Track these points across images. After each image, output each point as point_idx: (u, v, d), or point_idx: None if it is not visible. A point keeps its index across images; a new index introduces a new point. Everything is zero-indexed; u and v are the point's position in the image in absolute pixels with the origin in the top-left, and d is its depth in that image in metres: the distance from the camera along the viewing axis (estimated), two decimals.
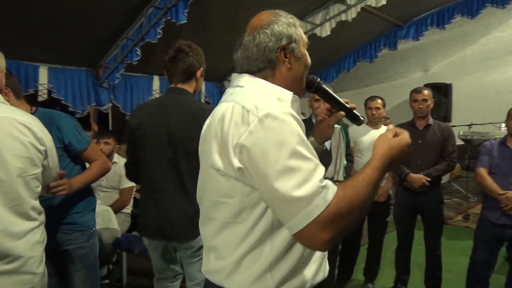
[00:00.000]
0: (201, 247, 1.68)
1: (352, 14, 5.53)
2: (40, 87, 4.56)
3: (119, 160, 3.43)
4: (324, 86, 1.27)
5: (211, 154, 1.00)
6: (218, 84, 6.82)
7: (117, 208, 3.29)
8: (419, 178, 3.01)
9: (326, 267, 1.14)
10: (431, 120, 3.14)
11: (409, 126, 3.21)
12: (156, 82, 5.78)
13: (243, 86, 1.09)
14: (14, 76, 3.50)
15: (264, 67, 1.10)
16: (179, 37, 4.92)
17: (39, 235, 1.50)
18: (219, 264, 1.04)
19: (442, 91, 6.62)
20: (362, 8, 5.49)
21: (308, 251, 1.03)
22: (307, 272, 1.04)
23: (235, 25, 5.26)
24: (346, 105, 1.27)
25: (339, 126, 1.32)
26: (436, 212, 3.08)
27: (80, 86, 4.97)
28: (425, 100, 3.09)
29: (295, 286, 1.02)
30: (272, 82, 1.10)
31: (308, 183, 0.87)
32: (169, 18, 4.41)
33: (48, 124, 1.78)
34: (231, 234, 1.01)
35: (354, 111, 1.28)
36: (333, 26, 5.70)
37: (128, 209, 3.46)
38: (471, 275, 2.85)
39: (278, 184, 0.87)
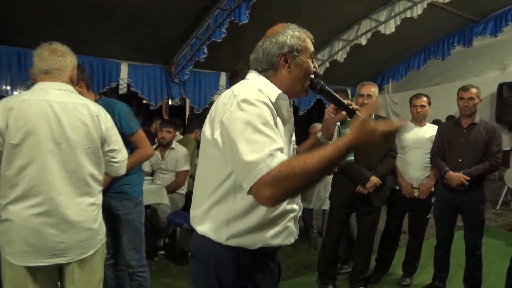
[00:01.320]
0: None
1: (418, 10, 5.42)
2: (121, 81, 5.23)
3: (177, 147, 3.87)
4: (327, 88, 1.40)
5: (205, 124, 1.28)
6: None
7: (172, 188, 3.73)
8: (457, 176, 2.98)
9: (288, 237, 1.35)
10: (477, 119, 3.07)
11: (454, 123, 3.19)
12: (223, 78, 6.21)
13: (248, 79, 1.35)
14: (96, 71, 4.14)
15: (267, 68, 1.34)
16: (243, 36, 5.36)
17: (95, 199, 1.85)
18: (195, 212, 1.33)
19: None
20: (431, 4, 5.35)
21: (268, 218, 1.26)
22: (262, 236, 1.27)
23: (296, 23, 5.48)
24: (349, 106, 1.39)
25: (338, 123, 1.47)
26: (477, 212, 3.02)
27: (155, 81, 5.57)
28: (471, 98, 3.04)
29: (244, 243, 1.26)
30: (274, 81, 1.33)
31: (259, 153, 1.09)
32: (232, 18, 4.77)
33: (107, 108, 2.21)
34: (205, 189, 1.29)
35: (356, 111, 1.39)
36: (398, 23, 5.62)
37: (183, 190, 3.89)
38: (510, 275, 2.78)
39: (239, 151, 1.11)
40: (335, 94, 1.40)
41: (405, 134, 3.37)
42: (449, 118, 5.95)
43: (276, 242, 1.31)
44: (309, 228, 4.29)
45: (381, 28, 5.77)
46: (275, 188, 1.07)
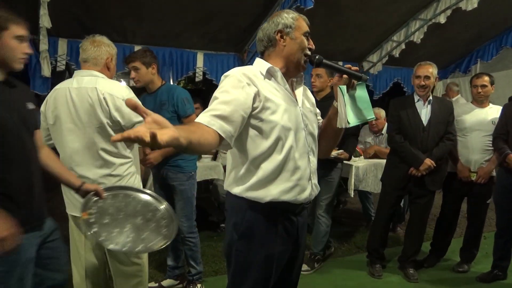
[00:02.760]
0: None
1: None
2: (197, 70, 5.67)
3: None
4: (325, 60, 1.58)
5: None
6: (358, 64, 6.95)
7: None
8: None
9: (300, 194, 1.55)
10: None
11: None
12: None
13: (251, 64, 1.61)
14: (175, 61, 4.65)
15: (267, 46, 1.60)
16: (312, 21, 5.42)
17: (111, 170, 2.17)
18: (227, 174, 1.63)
19: None
20: None
21: (272, 177, 1.47)
22: (272, 190, 1.48)
23: (366, 5, 5.37)
24: (348, 70, 1.56)
25: (340, 86, 1.61)
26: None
27: (229, 68, 5.77)
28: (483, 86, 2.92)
29: (255, 196, 1.49)
30: (274, 56, 1.58)
31: (210, 112, 1.35)
32: (298, 4, 4.87)
33: (169, 92, 2.63)
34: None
35: (355, 72, 1.55)
36: None
37: None
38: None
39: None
40: (334, 64, 1.59)
41: (465, 116, 3.22)
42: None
43: (286, 197, 1.50)
44: (366, 211, 4.31)
45: (462, 4, 5.36)
46: None
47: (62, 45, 4.87)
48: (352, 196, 3.82)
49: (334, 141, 1.74)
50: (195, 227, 2.87)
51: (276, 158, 1.47)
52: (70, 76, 2.32)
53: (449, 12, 5.56)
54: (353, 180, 3.63)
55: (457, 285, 3.12)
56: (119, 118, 2.11)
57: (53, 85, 5.47)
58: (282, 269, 1.61)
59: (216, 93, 1.41)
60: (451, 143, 3.10)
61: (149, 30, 5.13)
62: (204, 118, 1.31)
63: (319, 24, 5.56)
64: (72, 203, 2.21)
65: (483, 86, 3.15)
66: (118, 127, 2.14)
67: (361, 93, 1.60)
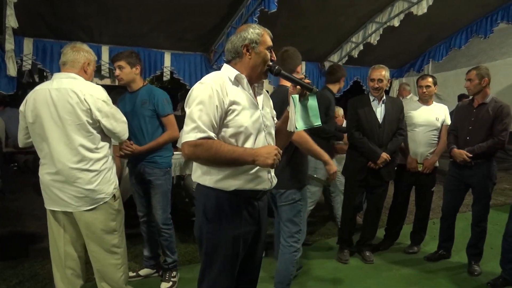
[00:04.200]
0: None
1: None
2: (164, 69, 5.79)
3: None
4: (282, 71, 1.82)
5: None
6: (319, 64, 7.27)
7: None
8: (460, 153, 3.17)
9: (261, 183, 1.80)
10: (488, 99, 3.20)
11: (467, 104, 3.34)
12: None
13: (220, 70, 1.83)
14: (143, 60, 4.81)
15: (234, 56, 1.81)
16: (276, 23, 5.66)
17: (89, 165, 2.30)
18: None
19: None
20: None
21: (237, 171, 1.73)
22: (235, 181, 1.74)
23: (326, 8, 5.68)
24: (300, 81, 1.79)
25: (293, 95, 1.86)
26: (482, 186, 3.19)
27: (196, 68, 6.08)
28: (470, 80, 3.21)
29: (222, 186, 1.74)
30: (239, 66, 1.80)
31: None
32: (263, 7, 5.10)
33: (150, 92, 2.88)
34: None
35: (307, 84, 1.79)
36: (430, 3, 5.61)
37: None
38: (504, 244, 2.97)
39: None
40: (289, 75, 1.81)
41: (413, 112, 3.57)
42: (461, 96, 5.97)
43: (248, 186, 1.76)
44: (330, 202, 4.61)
45: (414, 9, 5.78)
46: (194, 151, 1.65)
47: (28, 44, 4.87)
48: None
49: (286, 141, 2.02)
50: (170, 219, 3.05)
51: None
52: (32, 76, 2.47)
53: (402, 16, 5.97)
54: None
55: (408, 265, 3.46)
56: (99, 118, 2.28)
57: (19, 84, 5.40)
58: (247, 248, 1.86)
59: (194, 106, 1.64)
60: (402, 138, 3.43)
61: (116, 29, 5.19)
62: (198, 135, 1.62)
63: (282, 26, 5.82)
64: (52, 199, 2.33)
65: (427, 86, 3.51)
66: (97, 124, 2.30)
67: (312, 102, 1.84)
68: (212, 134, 1.63)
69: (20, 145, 2.44)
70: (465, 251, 3.42)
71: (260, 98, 1.85)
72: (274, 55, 1.82)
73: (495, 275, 3.15)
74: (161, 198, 2.96)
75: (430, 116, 3.52)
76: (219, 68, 6.34)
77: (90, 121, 2.27)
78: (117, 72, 2.87)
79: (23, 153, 6.01)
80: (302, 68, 6.96)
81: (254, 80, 1.82)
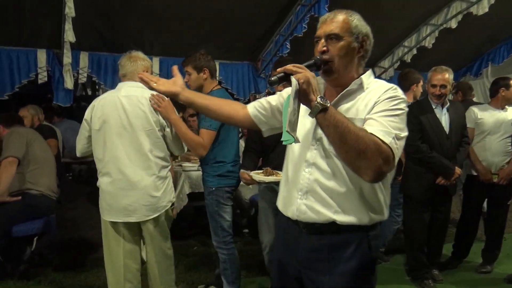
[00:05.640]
0: None
1: None
2: None
3: None
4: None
5: None
6: (371, 69, 7.03)
7: None
8: None
9: (287, 206, 1.46)
10: None
11: None
12: None
13: None
14: None
15: None
16: None
17: (157, 171, 2.34)
18: None
19: None
20: None
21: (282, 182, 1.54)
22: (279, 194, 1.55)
23: (379, 11, 5.45)
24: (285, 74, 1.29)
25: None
26: None
27: (243, 77, 6.04)
28: None
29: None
30: None
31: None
32: (313, 13, 4.98)
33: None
34: None
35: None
36: (492, 2, 5.26)
37: None
38: None
39: None
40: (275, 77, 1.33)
41: (485, 118, 3.28)
42: None
43: (279, 204, 1.55)
44: None
45: (473, 9, 5.44)
46: None
47: (84, 58, 5.02)
48: None
49: None
50: (227, 244, 2.76)
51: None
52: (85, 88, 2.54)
53: (460, 17, 5.64)
54: None
55: (483, 286, 3.16)
56: (166, 126, 2.39)
57: (75, 97, 5.58)
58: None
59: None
60: (468, 146, 3.16)
61: (166, 41, 5.26)
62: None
63: None
64: (113, 209, 2.31)
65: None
66: (163, 132, 2.40)
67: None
68: None
69: (78, 154, 2.47)
70: None
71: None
72: (321, 47, 1.39)
73: None
74: (210, 219, 2.77)
75: (504, 121, 3.22)
76: (266, 77, 6.36)
77: (158, 128, 2.35)
78: (186, 78, 2.69)
79: (77, 163, 6.19)
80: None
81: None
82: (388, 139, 1.21)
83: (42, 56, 4.74)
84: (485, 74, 7.39)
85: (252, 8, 4.96)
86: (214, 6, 4.79)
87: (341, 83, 1.39)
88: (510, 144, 3.22)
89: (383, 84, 1.38)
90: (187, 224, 4.56)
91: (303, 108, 1.27)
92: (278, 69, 1.27)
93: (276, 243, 1.60)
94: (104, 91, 5.48)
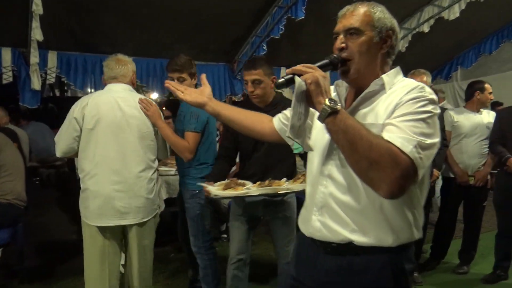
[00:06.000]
0: None
1: None
2: None
3: None
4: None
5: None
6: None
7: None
8: None
9: (304, 222, 1.34)
10: None
11: None
12: (283, 72, 6.40)
13: None
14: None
15: None
16: (301, 31, 5.51)
17: (150, 174, 2.34)
18: None
19: None
20: None
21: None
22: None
23: None
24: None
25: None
26: None
27: (219, 78, 5.94)
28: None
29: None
30: None
31: None
32: (289, 15, 4.95)
33: (186, 106, 2.61)
34: None
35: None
36: (463, 7, 5.41)
37: None
38: None
39: None
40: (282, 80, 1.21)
41: (461, 121, 3.34)
42: (494, 104, 5.46)
43: (299, 220, 1.43)
44: None
45: (445, 14, 5.59)
46: None
47: (52, 58, 4.78)
48: None
49: None
50: (206, 249, 2.73)
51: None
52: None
53: (432, 21, 5.77)
54: None
55: (462, 286, 3.21)
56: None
57: (42, 98, 5.30)
58: None
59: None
60: (446, 149, 3.22)
61: (140, 41, 5.10)
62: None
63: (308, 34, 5.66)
64: (104, 213, 2.20)
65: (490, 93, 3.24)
66: (157, 134, 2.43)
67: None
68: None
69: (60, 154, 2.32)
70: None
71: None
72: (339, 43, 1.26)
73: None
74: (190, 223, 2.71)
75: (480, 124, 3.28)
76: (242, 79, 6.33)
77: (155, 132, 2.39)
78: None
79: (45, 167, 5.91)
80: None
81: None
82: (408, 148, 1.02)
83: (7, 55, 4.48)
84: (455, 77, 7.61)
85: (228, 9, 4.88)
86: (190, 6, 4.69)
87: (363, 84, 1.22)
88: (486, 146, 3.28)
89: (408, 84, 1.19)
90: (163, 230, 4.41)
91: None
92: (287, 70, 1.15)
93: (293, 256, 1.45)
94: (74, 92, 5.27)
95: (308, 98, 1.11)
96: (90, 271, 2.29)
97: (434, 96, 1.14)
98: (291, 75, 1.14)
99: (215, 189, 2.13)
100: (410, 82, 1.20)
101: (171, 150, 2.66)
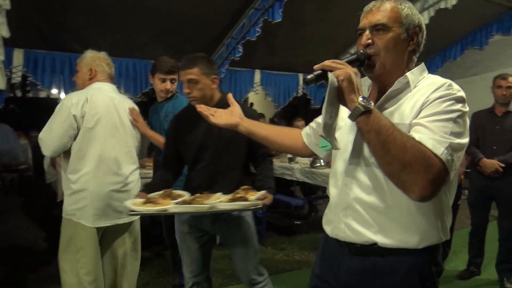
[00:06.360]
0: None
1: (452, 1, 5.39)
2: None
3: None
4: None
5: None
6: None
7: None
8: (492, 163, 3.04)
9: (328, 224, 1.34)
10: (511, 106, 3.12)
11: (488, 112, 3.24)
12: (257, 75, 6.41)
13: None
14: (139, 73, 4.53)
15: None
16: (277, 34, 5.54)
17: (138, 172, 2.42)
18: None
19: None
20: None
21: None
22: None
23: (328, 20, 5.58)
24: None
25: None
26: (510, 198, 3.07)
27: None
28: (510, 87, 3.08)
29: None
30: None
31: None
32: (266, 17, 4.96)
33: (175, 105, 2.71)
34: None
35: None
36: (432, 14, 5.61)
37: None
38: None
39: None
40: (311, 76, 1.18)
41: None
42: None
43: (323, 220, 1.42)
44: None
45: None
46: None
47: (18, 56, 4.55)
48: None
49: None
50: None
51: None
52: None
53: None
54: None
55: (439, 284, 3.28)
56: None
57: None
58: None
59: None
60: None
61: (112, 40, 4.94)
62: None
63: (283, 37, 5.70)
64: (104, 213, 2.18)
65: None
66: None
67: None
68: None
69: (49, 153, 2.22)
70: (490, 266, 3.29)
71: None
72: (365, 39, 1.21)
73: None
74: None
75: None
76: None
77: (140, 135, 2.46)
78: (168, 85, 2.82)
79: (9, 171, 5.61)
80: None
81: None
82: (439, 150, 1.00)
83: None
84: None
85: (204, 10, 4.83)
86: (165, 5, 4.60)
87: (388, 82, 1.20)
88: None
89: (435, 81, 1.16)
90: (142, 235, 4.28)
91: (343, 110, 1.12)
92: (315, 66, 1.09)
93: (318, 256, 1.41)
94: (36, 93, 5.04)
95: (339, 96, 1.07)
96: (88, 274, 2.18)
97: (462, 94, 1.11)
98: (320, 71, 1.09)
99: (132, 203, 1.82)
100: (437, 79, 1.18)
101: (148, 151, 2.78)
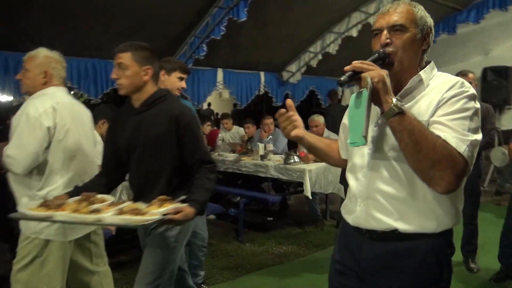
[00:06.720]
0: None
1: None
2: None
3: None
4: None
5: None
6: (277, 74, 7.26)
7: None
8: None
9: (348, 213, 1.39)
10: None
11: None
12: (219, 74, 6.39)
13: None
14: (100, 73, 4.37)
15: None
16: (240, 33, 5.56)
17: None
18: None
19: (502, 74, 6.53)
20: None
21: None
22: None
23: (290, 20, 5.70)
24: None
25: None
26: (471, 184, 3.30)
27: None
28: (470, 83, 3.31)
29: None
30: None
31: None
32: (231, 16, 4.96)
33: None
34: None
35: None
36: None
37: None
38: (504, 240, 3.12)
39: None
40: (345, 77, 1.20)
41: None
42: None
43: (342, 210, 1.48)
44: (314, 211, 4.56)
45: (371, 20, 6.03)
46: None
47: None
48: (310, 197, 4.00)
49: None
50: None
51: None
52: None
53: (359, 26, 6.21)
54: (308, 182, 3.80)
55: None
56: None
57: None
58: None
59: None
60: None
61: (70, 40, 4.71)
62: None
63: (246, 36, 5.73)
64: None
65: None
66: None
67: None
68: None
69: (23, 171, 1.93)
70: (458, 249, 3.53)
71: None
72: (384, 38, 1.24)
73: (493, 270, 3.27)
74: None
75: None
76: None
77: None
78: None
79: None
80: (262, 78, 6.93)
81: None
82: (462, 148, 1.09)
83: None
84: None
85: (166, 8, 4.76)
86: (126, 3, 4.48)
87: (403, 79, 1.26)
88: None
89: (447, 79, 1.24)
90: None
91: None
92: (346, 68, 1.14)
93: (337, 244, 1.47)
94: None
95: (373, 97, 1.12)
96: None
97: (474, 91, 1.20)
98: (351, 72, 1.14)
99: (28, 209, 1.63)
100: (449, 78, 1.26)
101: None
